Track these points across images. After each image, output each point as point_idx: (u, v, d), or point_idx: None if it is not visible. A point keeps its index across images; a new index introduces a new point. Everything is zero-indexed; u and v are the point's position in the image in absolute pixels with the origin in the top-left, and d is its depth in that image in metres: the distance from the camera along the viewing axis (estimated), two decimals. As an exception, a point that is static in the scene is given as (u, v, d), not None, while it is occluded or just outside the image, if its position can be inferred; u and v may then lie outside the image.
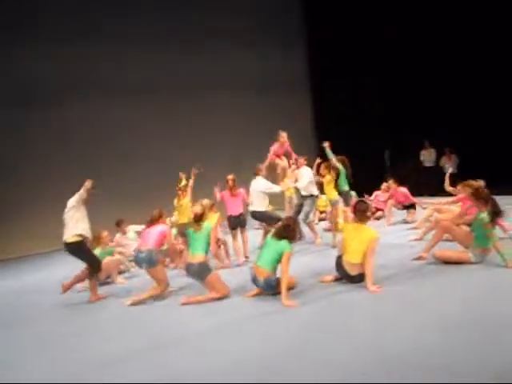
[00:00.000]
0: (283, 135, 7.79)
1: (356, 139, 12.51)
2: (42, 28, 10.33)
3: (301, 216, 6.97)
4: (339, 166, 6.88)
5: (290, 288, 4.60)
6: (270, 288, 4.51)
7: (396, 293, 4.27)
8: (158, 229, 5.22)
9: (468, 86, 10.69)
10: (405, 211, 8.31)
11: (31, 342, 4.20)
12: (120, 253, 6.79)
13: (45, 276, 7.47)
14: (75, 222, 5.22)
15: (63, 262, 7.17)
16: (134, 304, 4.89)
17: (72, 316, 4.97)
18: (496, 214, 4.80)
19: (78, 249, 5.25)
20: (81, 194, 5.29)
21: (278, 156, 7.84)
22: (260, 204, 6.67)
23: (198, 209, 5.08)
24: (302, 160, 7.29)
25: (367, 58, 12.20)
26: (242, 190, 6.64)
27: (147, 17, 11.50)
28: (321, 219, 9.57)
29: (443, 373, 2.73)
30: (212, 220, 5.97)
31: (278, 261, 4.47)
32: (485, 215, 4.78)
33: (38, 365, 3.62)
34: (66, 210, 5.32)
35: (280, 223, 4.92)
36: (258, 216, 6.79)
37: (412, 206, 8.23)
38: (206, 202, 5.41)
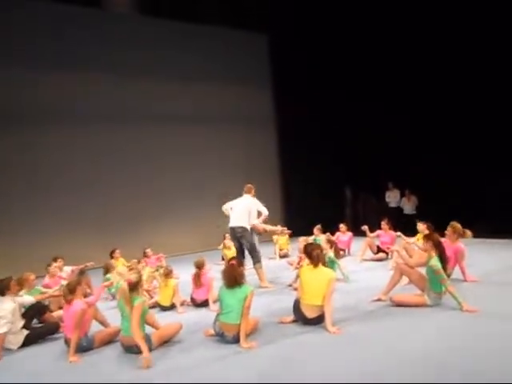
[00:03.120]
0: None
1: (319, 175, 12.87)
2: (16, 53, 10.21)
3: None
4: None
5: (254, 329, 4.54)
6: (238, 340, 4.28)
7: (355, 334, 4.28)
8: (73, 309, 4.39)
9: (428, 130, 11.17)
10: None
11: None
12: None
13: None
14: None
15: None
16: None
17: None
18: (442, 261, 4.93)
19: None
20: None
21: None
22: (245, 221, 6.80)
23: (132, 276, 4.36)
24: None
25: (333, 95, 12.59)
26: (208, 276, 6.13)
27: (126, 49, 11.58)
28: (282, 256, 9.62)
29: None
30: (168, 289, 5.89)
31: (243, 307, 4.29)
32: (435, 262, 4.88)
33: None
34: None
35: (226, 271, 4.55)
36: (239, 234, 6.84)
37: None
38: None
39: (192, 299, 6.04)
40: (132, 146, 11.68)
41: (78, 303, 4.43)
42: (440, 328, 4.30)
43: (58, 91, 10.67)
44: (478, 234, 6.46)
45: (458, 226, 6.21)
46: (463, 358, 3.54)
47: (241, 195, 7.33)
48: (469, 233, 6.21)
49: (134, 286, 4.25)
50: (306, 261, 4.95)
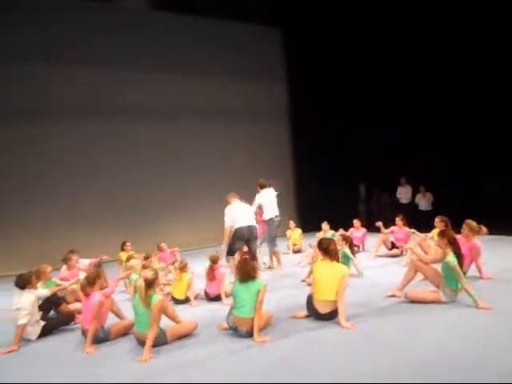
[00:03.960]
0: None
1: (333, 171, 12.82)
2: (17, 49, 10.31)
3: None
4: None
5: (267, 324, 4.55)
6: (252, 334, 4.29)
7: (368, 330, 4.26)
8: (92, 301, 4.46)
9: (446, 127, 11.04)
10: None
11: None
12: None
13: None
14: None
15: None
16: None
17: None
18: (458, 258, 4.88)
19: None
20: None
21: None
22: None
23: (149, 274, 4.38)
24: None
25: (348, 91, 12.52)
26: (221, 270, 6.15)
27: (128, 40, 11.63)
28: (295, 251, 9.64)
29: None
30: (183, 283, 5.95)
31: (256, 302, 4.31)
32: (451, 258, 4.83)
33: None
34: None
35: (239, 266, 4.56)
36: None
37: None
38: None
39: (206, 293, 6.08)
40: (145, 140, 11.78)
41: (96, 296, 4.50)
42: (454, 326, 4.26)
43: (63, 85, 10.78)
44: (495, 230, 6.36)
45: (473, 223, 6.14)
46: (476, 357, 3.51)
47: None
48: (484, 229, 6.14)
49: (151, 284, 4.28)
50: (320, 256, 4.94)
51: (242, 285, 4.41)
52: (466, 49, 10.29)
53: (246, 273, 4.42)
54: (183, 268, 6.10)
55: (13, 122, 10.19)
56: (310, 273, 5.58)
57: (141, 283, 4.27)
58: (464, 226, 6.17)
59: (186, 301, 5.95)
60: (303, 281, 6.61)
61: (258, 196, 7.92)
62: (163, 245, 8.64)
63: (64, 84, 10.76)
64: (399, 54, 11.45)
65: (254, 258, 5.22)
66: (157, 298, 4.25)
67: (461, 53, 10.42)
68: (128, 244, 8.24)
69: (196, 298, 6.08)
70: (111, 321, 4.83)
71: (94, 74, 11.03)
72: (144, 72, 11.67)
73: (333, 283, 4.50)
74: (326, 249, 4.72)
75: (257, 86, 13.36)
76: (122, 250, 8.16)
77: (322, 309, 4.58)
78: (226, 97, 12.83)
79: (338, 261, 4.75)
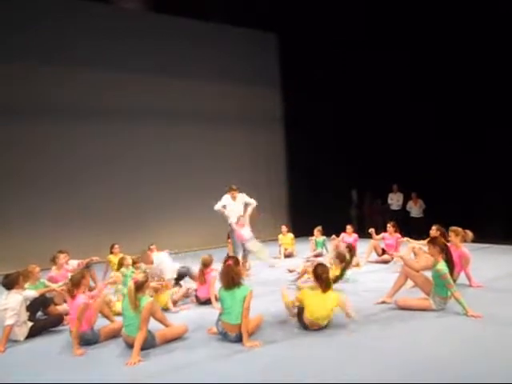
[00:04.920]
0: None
1: (326, 175, 12.85)
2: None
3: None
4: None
5: (256, 328, 4.54)
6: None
7: (356, 336, 4.27)
8: (76, 303, 4.41)
9: (440, 132, 11.08)
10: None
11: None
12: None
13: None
14: None
15: None
16: None
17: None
18: (449, 265, 4.90)
19: None
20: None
21: None
22: None
23: (139, 276, 4.42)
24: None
25: (341, 96, 12.57)
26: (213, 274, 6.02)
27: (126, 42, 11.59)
28: (287, 256, 9.65)
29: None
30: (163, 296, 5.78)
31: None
32: (441, 266, 4.84)
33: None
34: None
35: (223, 273, 4.48)
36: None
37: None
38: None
39: (196, 297, 6.05)
40: (141, 140, 11.72)
41: (81, 297, 4.46)
42: (444, 333, 4.28)
43: (61, 85, 10.68)
44: (485, 239, 6.40)
45: (458, 229, 6.18)
46: (465, 363, 3.53)
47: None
48: (470, 234, 6.18)
49: (141, 286, 4.24)
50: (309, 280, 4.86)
51: (228, 291, 4.35)
52: (466, 52, 10.31)
53: (231, 279, 4.35)
54: (159, 289, 5.77)
55: (1, 121, 10.07)
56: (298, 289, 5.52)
57: (130, 285, 4.23)
58: (450, 233, 6.21)
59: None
60: (290, 271, 6.89)
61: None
62: (153, 247, 8.53)
63: (55, 84, 10.61)
64: (395, 61, 11.45)
65: (238, 263, 5.14)
66: (146, 300, 4.22)
67: (461, 54, 10.43)
68: (116, 246, 8.18)
69: (187, 295, 6.06)
70: (102, 323, 4.79)
71: (86, 75, 10.93)
72: (141, 74, 11.60)
73: (327, 312, 4.45)
74: (319, 276, 4.55)
75: (251, 90, 13.36)
76: (111, 252, 8.11)
77: (313, 327, 4.50)
78: (220, 99, 12.80)
79: (329, 288, 4.56)
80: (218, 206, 7.74)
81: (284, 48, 13.96)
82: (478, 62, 10.16)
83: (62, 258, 6.60)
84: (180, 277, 6.65)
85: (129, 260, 6.55)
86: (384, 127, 11.87)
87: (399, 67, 11.40)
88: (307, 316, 4.47)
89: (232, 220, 7.68)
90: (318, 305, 4.43)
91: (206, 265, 6.05)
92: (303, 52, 13.04)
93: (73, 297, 4.50)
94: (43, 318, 5.34)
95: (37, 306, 5.30)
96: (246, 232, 7.59)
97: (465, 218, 7.51)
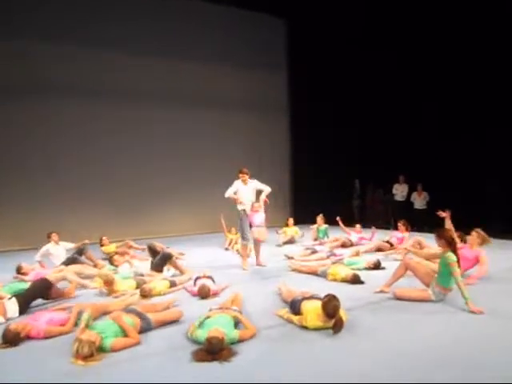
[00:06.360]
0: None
1: (330, 163, 12.76)
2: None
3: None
4: None
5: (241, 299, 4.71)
6: None
7: (356, 326, 4.18)
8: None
9: (445, 126, 10.94)
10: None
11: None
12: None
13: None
14: None
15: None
16: None
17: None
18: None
19: None
20: None
21: None
22: None
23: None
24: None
25: (347, 86, 12.45)
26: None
27: (130, 21, 11.42)
28: (286, 242, 9.64)
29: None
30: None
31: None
32: (451, 254, 4.75)
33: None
34: None
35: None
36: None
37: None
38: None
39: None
40: (143, 126, 11.63)
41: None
42: (443, 324, 4.22)
43: (55, 64, 10.56)
44: (490, 232, 6.29)
45: (483, 232, 6.06)
46: (462, 354, 3.49)
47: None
48: (490, 241, 6.10)
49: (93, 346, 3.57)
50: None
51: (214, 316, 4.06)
52: (466, 51, 10.21)
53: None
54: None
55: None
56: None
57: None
58: (473, 233, 6.06)
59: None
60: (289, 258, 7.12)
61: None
62: (105, 238, 8.63)
63: (55, 63, 10.51)
64: (404, 53, 11.31)
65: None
66: (110, 340, 3.72)
67: (461, 54, 10.33)
68: (104, 238, 8.58)
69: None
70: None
71: (87, 55, 10.82)
72: (144, 55, 11.49)
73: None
74: (330, 315, 4.03)
75: (258, 75, 13.23)
76: (101, 245, 8.45)
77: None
78: (227, 84, 12.68)
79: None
80: (228, 193, 7.11)
81: (293, 35, 13.80)
82: (480, 55, 10.03)
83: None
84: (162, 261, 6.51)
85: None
86: (392, 116, 11.76)
87: (413, 56, 11.24)
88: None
89: (243, 207, 7.12)
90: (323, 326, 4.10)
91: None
92: (312, 40, 12.87)
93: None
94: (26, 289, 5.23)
95: (39, 291, 5.19)
96: (258, 218, 7.12)
97: (469, 212, 7.41)
